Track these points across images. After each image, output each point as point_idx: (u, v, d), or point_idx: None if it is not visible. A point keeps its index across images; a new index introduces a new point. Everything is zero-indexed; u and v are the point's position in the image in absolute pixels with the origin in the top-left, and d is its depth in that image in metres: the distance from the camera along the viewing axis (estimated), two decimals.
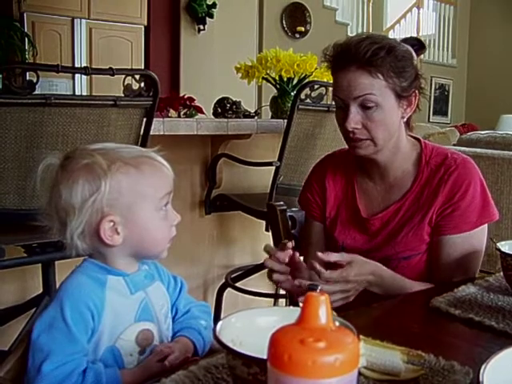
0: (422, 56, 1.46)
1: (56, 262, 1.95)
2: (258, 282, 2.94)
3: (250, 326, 0.75)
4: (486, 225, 1.39)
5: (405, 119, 1.38)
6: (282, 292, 2.91)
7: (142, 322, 0.98)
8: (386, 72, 1.29)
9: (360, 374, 0.80)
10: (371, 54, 1.28)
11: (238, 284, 2.74)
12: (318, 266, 1.21)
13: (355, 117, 1.31)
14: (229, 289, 2.75)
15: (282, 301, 2.90)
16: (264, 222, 2.56)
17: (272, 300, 2.91)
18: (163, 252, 1.02)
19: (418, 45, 1.41)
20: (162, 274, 1.08)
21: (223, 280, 2.79)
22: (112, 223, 0.95)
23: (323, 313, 0.55)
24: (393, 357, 0.81)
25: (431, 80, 9.20)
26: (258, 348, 0.64)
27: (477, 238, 1.37)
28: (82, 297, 0.93)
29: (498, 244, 1.19)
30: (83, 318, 0.92)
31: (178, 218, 1.02)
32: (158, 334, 1.01)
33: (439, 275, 1.37)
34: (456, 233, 1.35)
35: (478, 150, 2.44)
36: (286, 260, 1.26)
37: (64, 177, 0.95)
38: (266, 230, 2.58)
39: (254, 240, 3.03)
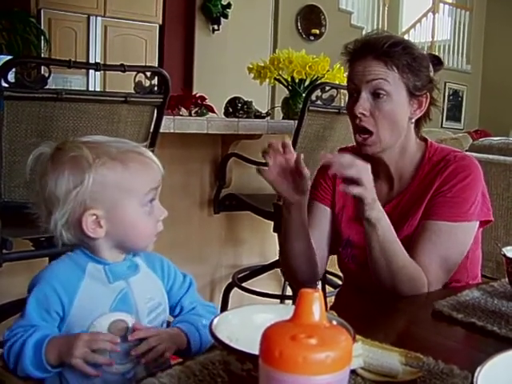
0: None
1: None
2: (265, 283, 2.94)
3: (247, 323, 0.75)
4: (474, 227, 1.36)
5: (412, 121, 1.39)
6: (289, 293, 2.91)
7: (117, 312, 0.99)
8: (401, 66, 1.33)
9: (357, 374, 0.80)
10: (388, 45, 1.32)
11: (244, 284, 2.74)
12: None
13: (365, 103, 1.33)
14: (235, 289, 2.75)
15: (289, 302, 2.89)
16: (272, 223, 2.56)
17: (278, 301, 2.90)
18: (148, 246, 1.04)
19: (435, 61, 1.44)
20: (167, 270, 1.08)
21: (230, 280, 2.79)
22: (94, 216, 0.96)
23: (317, 309, 0.54)
24: (391, 358, 0.80)
25: (445, 85, 9.14)
26: (254, 345, 0.63)
27: (459, 234, 1.34)
28: (52, 280, 0.98)
29: (503, 249, 1.18)
30: (46, 299, 0.97)
31: (165, 213, 1.03)
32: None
33: (415, 260, 1.32)
34: (437, 219, 1.32)
35: (490, 156, 2.41)
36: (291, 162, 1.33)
37: (52, 168, 0.97)
38: (274, 230, 2.58)
39: (262, 240, 3.02)
